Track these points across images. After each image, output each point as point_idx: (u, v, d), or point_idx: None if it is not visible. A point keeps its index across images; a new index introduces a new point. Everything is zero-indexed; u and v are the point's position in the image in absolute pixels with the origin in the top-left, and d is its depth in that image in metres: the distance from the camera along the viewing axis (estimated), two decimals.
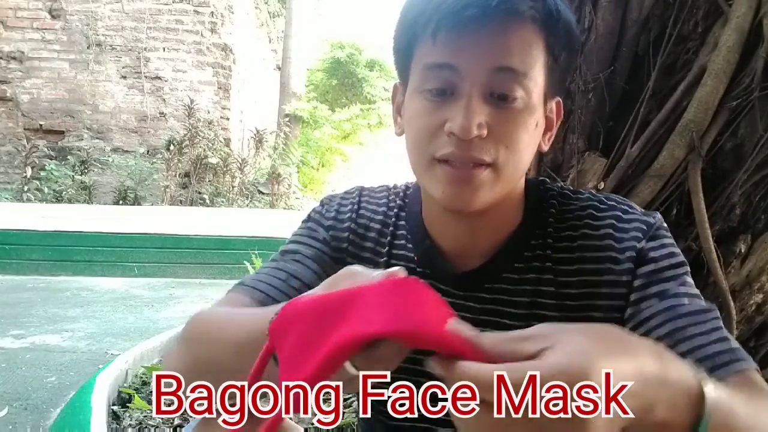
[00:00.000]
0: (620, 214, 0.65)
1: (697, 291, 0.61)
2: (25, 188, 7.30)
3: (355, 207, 0.75)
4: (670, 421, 0.39)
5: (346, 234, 0.73)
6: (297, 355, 0.39)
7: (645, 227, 0.64)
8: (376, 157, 12.54)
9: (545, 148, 0.68)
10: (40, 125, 8.00)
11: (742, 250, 1.17)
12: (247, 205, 8.13)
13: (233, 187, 8.22)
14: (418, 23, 0.60)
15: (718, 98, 1.13)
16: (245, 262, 3.38)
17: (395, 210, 0.75)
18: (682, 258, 0.63)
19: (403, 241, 0.72)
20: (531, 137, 0.62)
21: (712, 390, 0.41)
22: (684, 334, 0.56)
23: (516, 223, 0.69)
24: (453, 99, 0.60)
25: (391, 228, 0.73)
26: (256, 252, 3.56)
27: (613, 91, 1.26)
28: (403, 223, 0.73)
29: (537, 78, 0.60)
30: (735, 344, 0.56)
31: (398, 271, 0.43)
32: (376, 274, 0.43)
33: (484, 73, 0.58)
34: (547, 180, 0.74)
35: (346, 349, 0.37)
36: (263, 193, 8.65)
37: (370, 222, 0.74)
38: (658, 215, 0.66)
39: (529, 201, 0.70)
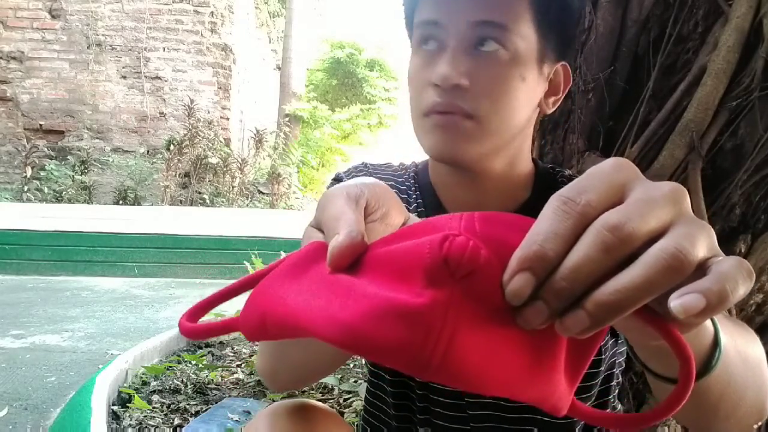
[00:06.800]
0: None
1: None
2: (25, 188, 7.29)
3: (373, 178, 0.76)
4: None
5: None
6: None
7: None
8: (376, 157, 12.53)
9: (548, 110, 0.69)
10: (40, 125, 8.00)
11: (742, 250, 1.17)
12: (247, 205, 8.13)
13: (233, 187, 8.22)
14: None
15: (718, 98, 1.13)
16: (245, 262, 3.38)
17: (411, 181, 0.76)
18: None
19: (422, 209, 0.74)
20: (519, 91, 0.63)
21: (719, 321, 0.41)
22: None
23: (525, 198, 0.71)
24: (439, 53, 0.63)
25: (414, 196, 0.75)
26: (256, 252, 3.56)
27: (613, 91, 1.26)
28: (418, 193, 0.75)
29: (523, 32, 0.61)
30: None
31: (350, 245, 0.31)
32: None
33: (466, 26, 0.61)
34: (558, 166, 0.76)
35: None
36: (263, 193, 8.64)
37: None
38: None
39: (538, 180, 0.72)
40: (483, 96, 0.61)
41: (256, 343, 0.63)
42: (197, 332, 0.31)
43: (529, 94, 0.64)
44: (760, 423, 0.47)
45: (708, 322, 0.39)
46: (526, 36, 0.62)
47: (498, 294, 0.26)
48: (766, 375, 0.46)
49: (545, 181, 0.72)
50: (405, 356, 0.25)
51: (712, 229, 0.27)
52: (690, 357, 0.28)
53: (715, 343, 0.39)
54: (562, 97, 0.70)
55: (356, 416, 1.55)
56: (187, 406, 1.85)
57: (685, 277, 0.25)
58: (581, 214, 0.26)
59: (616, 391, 0.76)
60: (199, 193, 7.99)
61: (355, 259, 0.30)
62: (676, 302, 0.25)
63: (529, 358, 0.27)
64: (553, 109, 0.69)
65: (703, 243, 0.26)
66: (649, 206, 0.26)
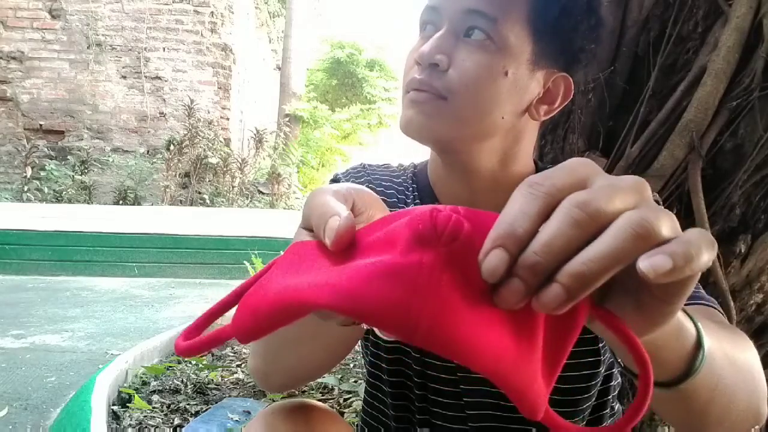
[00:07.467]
0: None
1: None
2: (25, 188, 7.30)
3: (369, 179, 0.77)
4: (663, 347, 0.38)
5: None
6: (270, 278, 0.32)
7: None
8: (376, 157, 12.54)
9: (538, 117, 0.68)
10: (40, 125, 8.00)
11: (742, 250, 1.17)
12: (247, 205, 8.13)
13: (233, 187, 8.22)
14: None
15: (718, 98, 1.13)
16: (245, 262, 3.39)
17: (410, 181, 0.77)
18: None
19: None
20: (498, 84, 0.63)
21: (704, 326, 0.41)
22: None
23: None
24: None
25: (411, 197, 0.75)
26: (256, 252, 3.56)
27: (613, 91, 1.26)
28: (416, 194, 0.75)
29: (514, 28, 0.62)
30: (705, 293, 0.60)
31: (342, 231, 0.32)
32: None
33: (458, 13, 0.63)
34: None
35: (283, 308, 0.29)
36: (263, 193, 8.64)
37: (387, 189, 0.76)
38: (656, 194, 0.68)
39: None
40: (459, 79, 0.62)
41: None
42: (191, 349, 0.31)
43: (511, 91, 0.64)
44: (757, 427, 0.47)
45: (690, 325, 0.39)
46: (517, 34, 0.62)
47: (479, 276, 0.27)
48: (759, 379, 0.46)
49: None
50: (395, 315, 0.25)
51: (675, 217, 0.28)
52: (646, 360, 0.29)
53: (698, 345, 0.39)
54: (558, 109, 0.68)
55: (356, 416, 1.55)
56: (187, 406, 1.85)
57: (651, 246, 0.26)
58: (548, 195, 0.28)
59: (616, 391, 0.76)
60: (199, 193, 8.00)
61: (350, 243, 0.31)
62: (645, 263, 0.26)
63: (511, 341, 0.28)
64: (544, 118, 0.68)
65: (667, 223, 0.27)
66: (613, 190, 0.28)
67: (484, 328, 0.27)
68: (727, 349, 0.44)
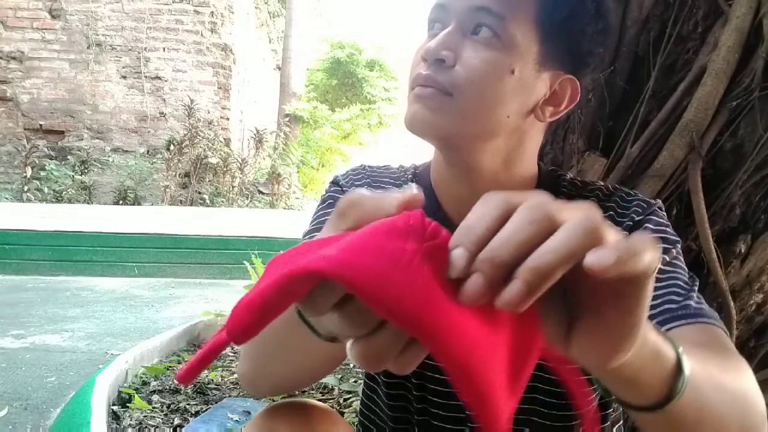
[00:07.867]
0: (624, 195, 0.69)
1: (684, 268, 0.63)
2: (25, 188, 7.30)
3: (369, 180, 0.77)
4: (642, 374, 0.38)
5: None
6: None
7: (645, 205, 0.67)
8: (376, 157, 12.55)
9: (543, 119, 0.68)
10: (40, 125, 8.00)
11: (742, 250, 1.17)
12: (247, 205, 8.13)
13: (233, 187, 8.22)
14: None
15: (718, 98, 1.13)
16: (245, 262, 3.38)
17: (410, 183, 0.76)
18: (675, 237, 0.65)
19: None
20: (504, 82, 0.63)
21: (685, 353, 0.41)
22: (657, 292, 0.59)
23: None
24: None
25: None
26: (256, 252, 3.55)
27: (613, 91, 1.26)
28: None
29: (522, 27, 0.62)
30: (707, 308, 0.59)
31: (414, 194, 0.33)
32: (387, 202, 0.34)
33: (466, 10, 0.63)
34: (560, 169, 0.76)
35: (283, 284, 0.29)
36: (263, 193, 8.64)
37: (388, 191, 0.75)
38: (659, 201, 0.69)
39: (540, 185, 0.72)
40: (465, 75, 0.62)
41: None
42: (190, 371, 0.31)
43: (517, 90, 0.63)
44: None
45: (668, 348, 0.39)
46: (524, 33, 0.62)
47: (452, 283, 0.29)
48: (755, 403, 0.46)
49: (547, 185, 0.71)
50: (379, 284, 0.27)
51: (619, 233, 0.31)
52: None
53: (679, 368, 0.40)
54: (564, 111, 0.68)
55: (356, 416, 1.55)
56: (187, 406, 1.85)
57: (600, 242, 0.28)
58: (506, 203, 0.30)
59: None
60: (199, 193, 8.00)
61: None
62: (591, 257, 0.27)
63: (482, 339, 0.29)
64: (550, 120, 0.68)
65: (613, 231, 0.29)
66: (564, 204, 0.30)
67: (460, 321, 0.28)
68: (714, 373, 0.44)
